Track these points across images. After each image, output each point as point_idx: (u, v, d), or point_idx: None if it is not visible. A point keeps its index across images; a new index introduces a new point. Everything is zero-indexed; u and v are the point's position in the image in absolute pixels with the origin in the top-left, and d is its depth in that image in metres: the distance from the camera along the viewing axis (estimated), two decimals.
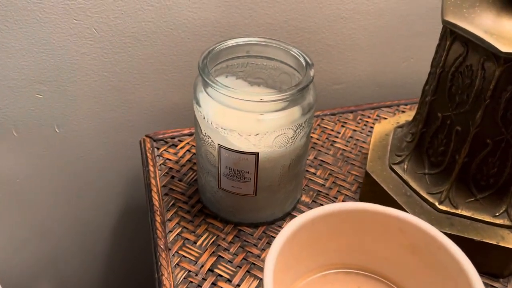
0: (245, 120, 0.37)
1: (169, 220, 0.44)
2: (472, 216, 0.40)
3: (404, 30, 0.57)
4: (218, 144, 0.38)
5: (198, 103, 0.39)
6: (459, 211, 0.40)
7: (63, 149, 0.55)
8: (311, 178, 0.49)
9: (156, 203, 0.45)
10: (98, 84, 0.51)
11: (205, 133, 0.39)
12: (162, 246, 0.41)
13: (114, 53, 0.49)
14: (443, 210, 0.40)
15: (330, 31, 0.54)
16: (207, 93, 0.38)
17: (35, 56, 0.47)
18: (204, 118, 0.38)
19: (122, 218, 0.64)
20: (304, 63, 0.39)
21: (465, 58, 0.35)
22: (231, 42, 0.41)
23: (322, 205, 0.46)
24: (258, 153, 0.38)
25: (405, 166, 0.43)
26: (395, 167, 0.44)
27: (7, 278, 0.64)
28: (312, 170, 0.50)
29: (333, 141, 0.54)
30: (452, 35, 0.36)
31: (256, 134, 0.37)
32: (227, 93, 0.36)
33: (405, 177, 0.43)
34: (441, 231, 0.39)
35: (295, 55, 0.40)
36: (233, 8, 0.50)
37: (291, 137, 0.38)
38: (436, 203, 0.40)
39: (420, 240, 0.29)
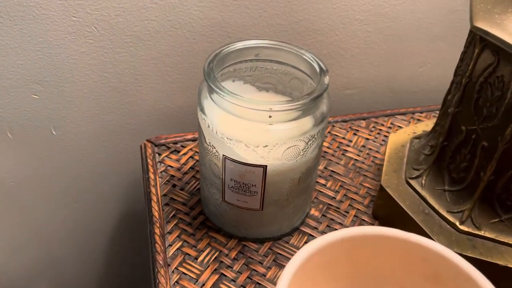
0: (253, 130, 0.34)
1: (169, 232, 0.41)
2: (496, 239, 0.37)
3: (421, 34, 0.54)
4: (223, 155, 0.35)
5: (202, 110, 0.36)
6: (482, 233, 0.37)
7: (60, 152, 0.52)
8: (321, 190, 0.46)
9: (156, 214, 0.42)
10: (97, 85, 0.48)
11: (209, 143, 0.36)
12: (161, 262, 0.38)
13: (115, 53, 0.47)
14: (465, 231, 0.37)
15: (343, 33, 0.51)
16: (212, 99, 0.35)
17: (31, 54, 0.45)
18: (208, 126, 0.35)
19: (121, 223, 0.61)
20: (318, 69, 0.36)
21: (495, 68, 0.32)
22: (239, 45, 0.38)
23: (332, 220, 0.43)
24: (266, 165, 0.35)
25: (423, 181, 0.40)
26: (412, 182, 0.41)
27: (5, 280, 0.62)
28: (322, 181, 0.47)
29: (345, 150, 0.51)
30: (481, 42, 0.32)
31: (265, 146, 0.34)
32: (234, 101, 0.33)
33: (423, 193, 0.40)
34: (461, 254, 0.36)
35: (308, 60, 0.37)
36: (242, 7, 0.47)
37: (302, 149, 0.35)
38: (457, 223, 0.37)
39: (445, 271, 0.26)
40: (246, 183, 0.36)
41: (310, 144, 0.35)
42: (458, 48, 0.56)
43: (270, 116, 0.33)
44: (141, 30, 0.46)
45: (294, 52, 0.38)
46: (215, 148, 0.36)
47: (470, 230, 0.37)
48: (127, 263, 0.66)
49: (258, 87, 0.42)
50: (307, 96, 0.33)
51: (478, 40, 0.33)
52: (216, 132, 0.35)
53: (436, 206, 0.39)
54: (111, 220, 0.60)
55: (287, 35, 0.50)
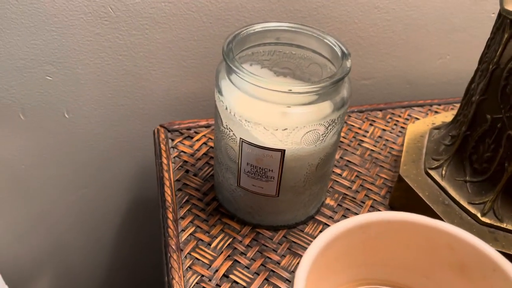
0: (272, 113, 0.33)
1: (182, 218, 0.40)
2: None
3: (442, 24, 0.53)
4: (240, 138, 0.34)
5: (220, 91, 0.35)
6: (504, 225, 0.36)
7: (72, 135, 0.52)
8: (337, 180, 0.45)
9: (169, 198, 0.42)
10: (111, 68, 0.48)
11: (226, 125, 0.35)
12: (173, 247, 0.38)
13: (130, 35, 0.46)
14: (486, 222, 0.36)
15: (362, 21, 0.50)
16: (230, 80, 0.34)
17: (46, 34, 0.44)
18: (226, 108, 0.34)
19: (131, 210, 0.60)
20: (340, 53, 0.35)
21: None
22: (259, 27, 0.37)
23: (348, 209, 0.42)
24: (284, 150, 0.34)
25: (443, 172, 0.39)
26: (432, 172, 0.40)
27: (11, 266, 0.61)
28: (338, 170, 0.46)
29: (361, 140, 0.50)
30: None
31: (284, 129, 0.33)
32: (253, 81, 0.32)
33: (443, 183, 0.39)
34: None
35: (330, 44, 0.37)
36: None
37: (322, 134, 0.34)
38: (478, 215, 0.36)
39: (472, 259, 0.25)
40: (263, 168, 0.35)
41: (330, 129, 0.35)
42: (479, 40, 0.55)
43: (290, 90, 0.32)
44: (157, 12, 0.45)
45: (316, 35, 0.37)
46: (232, 131, 0.35)
47: (492, 222, 0.36)
48: (136, 250, 0.65)
49: (275, 72, 0.41)
50: (329, 79, 0.33)
51: (508, 25, 0.32)
52: (234, 114, 0.34)
53: (457, 197, 0.38)
54: (120, 207, 0.59)
55: (305, 21, 0.49)
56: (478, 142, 0.37)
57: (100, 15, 0.44)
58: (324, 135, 0.34)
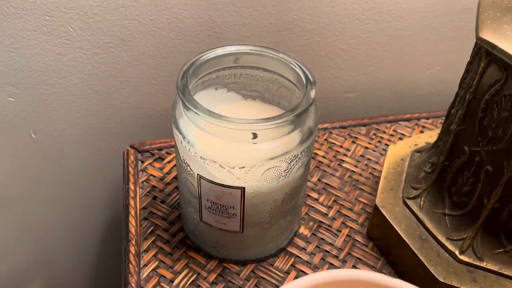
0: (228, 150, 0.31)
1: (145, 251, 0.38)
2: (500, 271, 0.33)
3: (429, 34, 0.50)
4: (198, 174, 0.32)
5: (176, 124, 0.32)
6: (484, 264, 0.33)
7: (42, 156, 0.50)
8: (313, 205, 0.43)
9: (133, 230, 0.39)
10: (77, 88, 0.45)
11: (184, 159, 0.33)
12: (133, 285, 0.36)
13: (94, 54, 0.44)
14: (465, 261, 0.34)
15: (343, 33, 0.47)
16: (187, 115, 0.32)
17: (4, 55, 0.42)
18: (181, 142, 0.32)
19: (109, 228, 0.59)
20: (304, 79, 0.33)
21: (503, 86, 0.28)
22: (218, 51, 0.34)
23: (323, 239, 0.40)
24: (244, 187, 0.32)
25: (422, 203, 0.37)
26: (410, 203, 0.38)
27: None
28: (315, 195, 0.44)
29: (341, 160, 0.47)
30: (488, 56, 0.28)
31: (241, 167, 0.31)
32: (211, 120, 0.29)
33: (421, 215, 0.36)
34: (460, 287, 0.33)
35: (294, 68, 0.34)
36: (231, 6, 0.43)
37: (284, 170, 0.32)
38: (457, 252, 0.34)
39: None
40: (223, 205, 0.33)
41: (294, 164, 0.32)
42: (469, 50, 0.52)
43: (254, 138, 0.30)
44: (121, 30, 0.42)
45: (280, 59, 0.35)
46: (189, 166, 0.33)
47: (471, 261, 0.34)
48: (116, 270, 0.64)
49: (243, 95, 0.38)
50: (290, 112, 0.30)
51: (484, 53, 0.29)
52: (189, 150, 0.32)
53: (435, 232, 0.35)
54: (98, 225, 0.58)
55: (281, 36, 0.46)
56: (456, 174, 0.34)
57: (60, 35, 0.42)
58: (287, 170, 0.32)
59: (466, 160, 0.33)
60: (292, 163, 0.32)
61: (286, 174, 0.32)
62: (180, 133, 0.32)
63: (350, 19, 0.46)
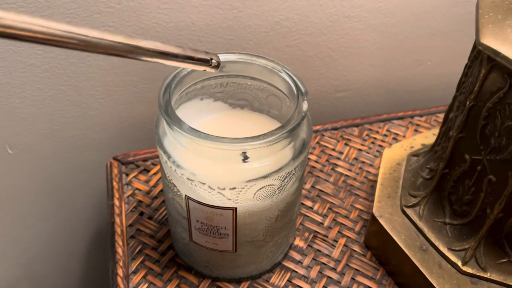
0: (219, 170, 0.29)
1: (134, 272, 0.36)
2: (504, 282, 0.32)
3: (420, 29, 0.48)
4: (186, 195, 0.30)
5: (160, 143, 0.30)
6: (488, 275, 0.32)
7: (19, 171, 0.47)
8: (307, 214, 0.41)
9: (120, 250, 0.37)
10: (53, 99, 0.43)
11: (170, 180, 0.31)
12: None
13: (70, 64, 0.41)
14: (468, 272, 0.32)
15: (332, 32, 0.45)
16: (171, 134, 0.29)
17: None
18: (166, 162, 0.30)
19: (93, 243, 0.56)
20: (295, 90, 0.31)
21: (506, 94, 0.27)
22: None
23: (319, 251, 0.38)
24: (235, 208, 0.30)
25: (421, 211, 0.35)
26: (408, 211, 0.36)
27: None
28: (309, 203, 0.42)
29: (335, 164, 0.45)
30: (490, 62, 0.27)
31: (232, 188, 0.29)
32: (198, 140, 0.27)
33: (421, 225, 0.35)
34: None
35: (284, 77, 0.32)
36: (213, 8, 0.41)
37: (278, 188, 0.30)
38: (459, 263, 0.33)
39: None
40: (214, 226, 0.31)
41: (288, 180, 0.30)
42: (461, 43, 0.50)
43: (245, 158, 0.28)
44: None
45: (268, 68, 0.33)
46: (176, 186, 0.31)
47: (474, 272, 0.32)
48: (101, 281, 0.62)
49: (231, 104, 0.36)
50: (280, 129, 0.28)
51: (486, 59, 0.27)
52: (175, 171, 0.29)
53: (436, 242, 0.34)
54: (82, 242, 0.55)
55: (267, 37, 0.44)
56: (457, 182, 0.32)
57: (31, 45, 0.39)
58: (281, 188, 0.30)
59: (467, 169, 0.31)
60: (286, 180, 0.30)
61: (280, 191, 0.30)
62: (165, 152, 0.30)
63: (339, 17, 0.44)
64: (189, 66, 0.27)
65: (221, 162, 0.28)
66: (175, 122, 0.28)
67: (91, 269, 0.59)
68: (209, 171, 0.29)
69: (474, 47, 0.30)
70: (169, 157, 0.29)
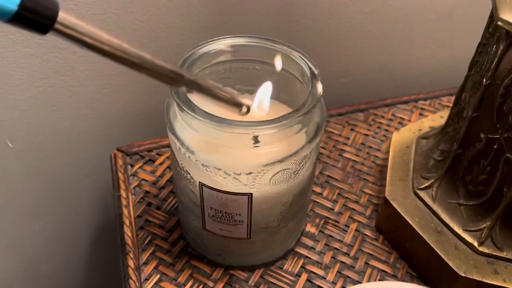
0: (233, 156, 0.28)
1: (145, 263, 0.36)
2: None
3: (424, 12, 0.47)
4: (200, 182, 0.30)
5: (171, 129, 0.30)
6: (504, 254, 0.32)
7: (21, 165, 0.46)
8: (317, 201, 0.41)
9: (129, 241, 0.37)
10: (54, 91, 0.42)
11: (183, 167, 0.30)
12: None
13: (71, 53, 0.40)
14: (485, 252, 0.32)
15: (336, 16, 0.45)
16: (183, 118, 0.29)
17: None
18: (179, 149, 0.29)
19: (98, 236, 0.56)
20: (308, 73, 0.30)
21: None
22: (211, 46, 0.32)
23: (331, 236, 0.38)
24: (251, 193, 0.29)
25: (434, 193, 0.35)
26: (421, 193, 0.36)
27: None
28: (318, 189, 0.41)
29: (342, 149, 0.45)
30: (508, 38, 0.26)
31: (249, 173, 0.28)
32: (212, 124, 0.27)
33: (434, 207, 0.35)
34: (482, 280, 0.31)
35: (295, 59, 0.31)
36: None
37: (294, 172, 0.29)
38: (475, 244, 0.32)
39: None
40: (229, 212, 0.31)
41: (303, 164, 0.30)
42: (466, 26, 0.50)
43: (256, 142, 0.27)
44: (99, 24, 0.39)
45: (278, 50, 0.32)
46: (189, 173, 0.30)
47: (490, 251, 0.32)
48: (107, 274, 0.61)
49: (239, 90, 0.36)
50: (295, 113, 0.27)
51: (504, 36, 0.27)
52: (189, 157, 0.29)
53: (450, 223, 0.34)
54: (88, 236, 0.55)
55: (270, 23, 0.43)
56: (471, 163, 0.32)
57: (32, 34, 0.38)
58: (296, 172, 0.30)
59: (483, 148, 0.31)
60: (301, 164, 0.29)
61: (296, 176, 0.30)
62: (178, 139, 0.29)
63: (343, 0, 0.44)
64: (220, 105, 0.27)
65: (236, 147, 0.28)
66: (189, 106, 0.27)
67: (97, 262, 0.58)
68: (224, 157, 0.28)
69: (489, 24, 0.29)
70: (182, 143, 0.29)
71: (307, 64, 0.31)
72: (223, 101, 0.27)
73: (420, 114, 0.49)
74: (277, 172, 0.29)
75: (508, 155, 0.29)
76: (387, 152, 0.42)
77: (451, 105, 0.36)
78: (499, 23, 0.26)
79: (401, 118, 0.48)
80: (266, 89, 0.31)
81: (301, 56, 0.31)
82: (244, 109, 0.27)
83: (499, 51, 0.27)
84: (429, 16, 0.48)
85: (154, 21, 0.40)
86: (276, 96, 0.36)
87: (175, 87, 0.27)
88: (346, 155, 0.45)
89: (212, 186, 0.29)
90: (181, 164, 0.30)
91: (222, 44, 0.32)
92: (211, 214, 0.31)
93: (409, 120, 0.48)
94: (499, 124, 0.29)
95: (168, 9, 0.40)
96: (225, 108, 0.27)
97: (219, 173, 0.28)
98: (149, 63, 0.23)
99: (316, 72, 0.30)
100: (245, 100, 0.27)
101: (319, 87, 0.29)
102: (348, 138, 0.46)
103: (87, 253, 0.57)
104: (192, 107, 0.27)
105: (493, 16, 0.28)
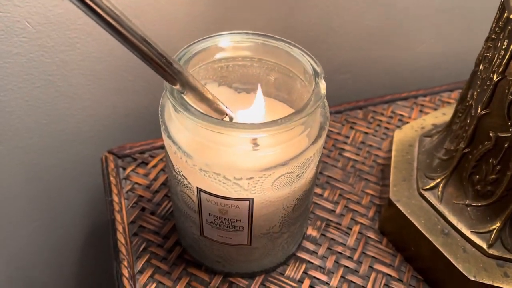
0: (232, 159, 0.27)
1: (140, 272, 0.34)
2: None
3: (422, 7, 0.46)
4: (197, 187, 0.28)
5: (167, 131, 0.28)
6: None
7: (8, 169, 0.44)
8: (318, 202, 0.39)
9: (123, 249, 0.35)
10: (41, 91, 0.40)
11: (179, 171, 0.29)
12: None
13: (58, 52, 0.38)
14: (494, 255, 0.31)
15: (333, 10, 0.43)
16: (179, 121, 0.27)
17: None
18: (175, 153, 0.28)
19: (89, 240, 0.54)
20: (311, 70, 0.29)
21: None
22: (206, 43, 0.30)
23: (333, 240, 0.37)
24: (252, 199, 0.28)
25: (440, 194, 0.34)
26: (426, 194, 0.35)
27: None
28: (319, 190, 0.40)
29: (341, 149, 0.44)
30: None
31: (250, 178, 0.27)
32: (211, 127, 0.25)
33: (441, 208, 0.34)
34: (493, 284, 0.30)
35: (296, 57, 0.30)
36: None
37: (297, 175, 0.28)
38: (485, 246, 0.31)
39: None
40: (228, 219, 0.29)
41: (307, 167, 0.28)
42: (465, 20, 0.49)
43: (255, 144, 0.26)
44: (87, 23, 0.37)
45: (278, 47, 0.30)
46: (186, 178, 0.28)
47: (500, 254, 0.31)
48: (101, 284, 0.59)
49: (237, 89, 0.34)
50: (297, 114, 0.26)
51: None
52: (186, 162, 0.27)
53: (458, 225, 0.32)
54: (78, 240, 0.53)
55: (266, 17, 0.42)
56: (480, 162, 0.31)
57: (16, 32, 0.36)
58: (299, 175, 0.28)
59: (492, 147, 0.30)
60: (305, 167, 0.28)
61: (298, 179, 0.28)
62: (173, 142, 0.27)
63: None
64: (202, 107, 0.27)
65: (236, 150, 0.26)
66: (185, 107, 0.25)
67: (89, 269, 0.56)
68: (224, 161, 0.26)
69: (498, 18, 0.28)
70: (178, 147, 0.27)
71: (309, 61, 0.29)
72: (208, 103, 0.26)
73: (420, 111, 0.47)
74: (280, 176, 0.27)
75: None
76: (388, 151, 0.41)
77: (451, 101, 0.35)
78: None
79: (401, 115, 0.47)
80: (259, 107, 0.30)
81: (302, 52, 0.30)
82: (226, 118, 0.27)
83: (511, 48, 0.26)
84: (426, 10, 0.46)
85: (145, 18, 0.38)
86: (275, 95, 0.34)
87: (162, 76, 0.24)
88: (346, 154, 0.43)
89: (210, 191, 0.28)
90: (177, 168, 0.29)
91: (219, 40, 0.30)
92: (210, 221, 0.30)
93: (409, 117, 0.47)
94: (510, 122, 0.28)
95: (160, 5, 0.38)
96: (207, 112, 0.26)
97: (218, 178, 0.27)
98: (139, 37, 0.23)
99: (318, 70, 0.28)
100: (228, 111, 0.28)
101: (322, 86, 0.27)
102: (347, 137, 0.45)
103: (78, 260, 0.55)
104: (188, 108, 0.26)
105: (504, 9, 0.27)
